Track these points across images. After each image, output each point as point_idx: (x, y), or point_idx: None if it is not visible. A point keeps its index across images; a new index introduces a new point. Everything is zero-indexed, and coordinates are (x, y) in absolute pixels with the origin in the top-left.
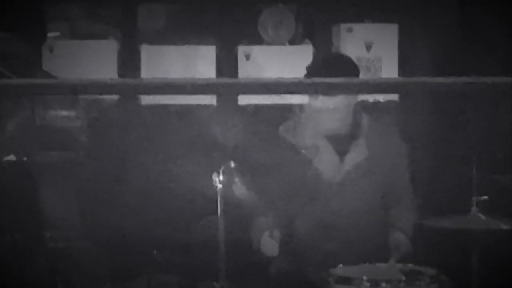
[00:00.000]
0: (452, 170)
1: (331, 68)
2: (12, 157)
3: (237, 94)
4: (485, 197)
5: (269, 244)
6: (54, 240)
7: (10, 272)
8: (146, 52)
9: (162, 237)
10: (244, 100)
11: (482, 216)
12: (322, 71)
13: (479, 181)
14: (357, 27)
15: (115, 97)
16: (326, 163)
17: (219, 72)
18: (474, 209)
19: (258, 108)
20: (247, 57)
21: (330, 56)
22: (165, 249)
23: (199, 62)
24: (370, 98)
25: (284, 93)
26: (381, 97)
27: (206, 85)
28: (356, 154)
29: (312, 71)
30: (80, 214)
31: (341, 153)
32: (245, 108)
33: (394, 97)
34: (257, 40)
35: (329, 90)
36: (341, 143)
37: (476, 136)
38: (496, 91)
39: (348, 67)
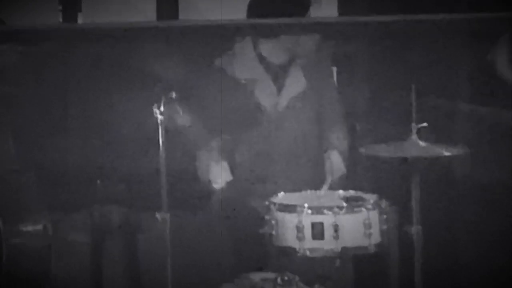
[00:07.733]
0: (391, 97)
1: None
2: None
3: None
4: (425, 124)
5: (219, 174)
6: None
7: None
8: None
9: (105, 168)
10: None
11: (422, 143)
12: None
13: (419, 108)
14: None
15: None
16: (265, 94)
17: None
18: (413, 136)
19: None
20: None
21: None
22: (108, 180)
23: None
24: None
25: (225, 35)
26: None
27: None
28: (294, 85)
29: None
30: (20, 148)
31: (279, 84)
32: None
33: None
34: None
35: (270, 31)
36: (279, 75)
37: (415, 62)
38: (435, 28)
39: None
